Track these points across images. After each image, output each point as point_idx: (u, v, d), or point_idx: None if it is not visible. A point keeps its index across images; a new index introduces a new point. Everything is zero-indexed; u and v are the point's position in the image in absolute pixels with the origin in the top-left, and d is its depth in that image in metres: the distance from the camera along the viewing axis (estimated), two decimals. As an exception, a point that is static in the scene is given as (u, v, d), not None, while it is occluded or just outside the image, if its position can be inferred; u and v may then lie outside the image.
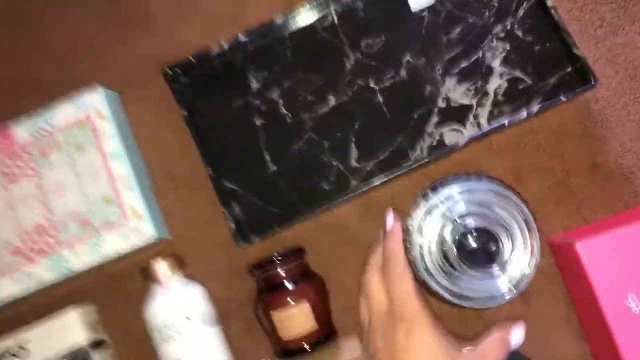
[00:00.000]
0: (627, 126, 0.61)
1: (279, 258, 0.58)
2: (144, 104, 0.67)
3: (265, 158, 0.64)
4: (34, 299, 0.64)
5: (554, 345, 0.59)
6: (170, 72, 0.64)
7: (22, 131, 0.63)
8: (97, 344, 0.62)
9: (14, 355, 0.61)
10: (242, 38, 0.64)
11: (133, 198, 0.61)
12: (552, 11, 0.60)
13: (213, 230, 0.64)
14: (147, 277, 0.60)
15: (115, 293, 0.65)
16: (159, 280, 0.59)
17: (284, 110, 0.64)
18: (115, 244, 0.61)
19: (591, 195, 0.60)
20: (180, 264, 0.61)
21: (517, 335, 0.50)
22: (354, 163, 0.62)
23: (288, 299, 0.56)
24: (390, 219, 0.54)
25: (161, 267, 0.60)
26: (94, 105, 0.63)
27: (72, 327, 0.61)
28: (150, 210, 0.62)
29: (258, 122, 0.64)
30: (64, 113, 0.63)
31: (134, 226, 0.61)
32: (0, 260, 0.62)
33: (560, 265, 0.58)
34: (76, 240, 0.61)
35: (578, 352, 0.58)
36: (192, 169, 0.65)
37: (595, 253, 0.50)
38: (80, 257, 0.61)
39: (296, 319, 0.56)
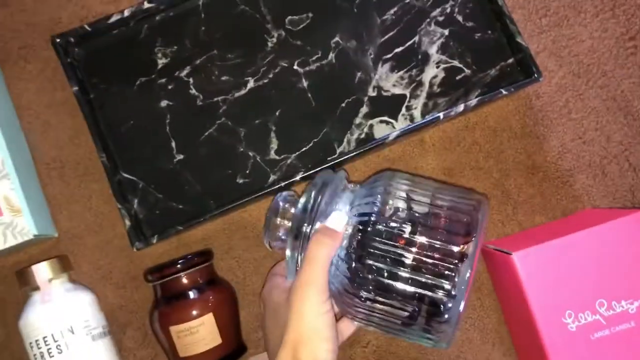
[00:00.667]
0: (569, 125, 0.56)
1: (180, 262, 0.50)
2: (30, 78, 0.57)
3: (171, 146, 0.56)
4: None
5: (482, 358, 0.54)
6: (61, 42, 0.55)
7: None
8: (-39, 359, 0.53)
9: None
10: (147, 4, 0.55)
11: (9, 188, 0.51)
12: (495, -4, 0.55)
13: (107, 228, 0.55)
14: (24, 282, 0.51)
15: (-11, 298, 0.55)
16: (37, 286, 0.50)
17: (194, 92, 0.56)
18: (-13, 243, 0.51)
19: (528, 198, 0.55)
20: (65, 266, 0.52)
21: (332, 219, 0.44)
22: (273, 155, 0.55)
23: (190, 311, 0.49)
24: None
25: (41, 270, 0.51)
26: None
27: None
28: (31, 203, 0.52)
29: (164, 103, 0.56)
30: None
31: (9, 221, 0.51)
32: None
33: (493, 274, 0.54)
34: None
35: (508, 367, 0.54)
36: (84, 156, 0.56)
37: (533, 265, 0.45)
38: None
39: (198, 334, 0.49)
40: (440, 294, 0.41)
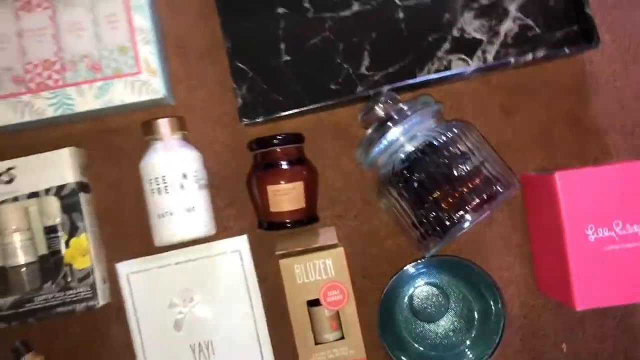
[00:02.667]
0: (611, 91, 0.67)
1: (280, 138, 0.61)
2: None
3: (280, 47, 0.66)
4: (29, 134, 0.65)
5: (504, 266, 0.66)
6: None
7: (46, -39, 0.62)
8: (83, 187, 0.63)
9: (-3, 180, 0.62)
10: None
11: (149, 52, 0.62)
12: (573, -30, 0.65)
13: (217, 104, 0.66)
14: (149, 132, 0.62)
15: (108, 145, 0.66)
16: (160, 136, 0.61)
17: (307, 5, 0.66)
18: (122, 93, 0.62)
19: (567, 144, 0.66)
20: (182, 126, 0.63)
21: None
22: (363, 70, 0.66)
23: (286, 176, 0.60)
24: None
25: (164, 124, 0.61)
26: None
27: (62, 164, 0.62)
28: (162, 69, 0.63)
29: (280, 10, 0.66)
30: (94, -47, 0.62)
31: (145, 79, 0.62)
32: (0, 86, 0.62)
33: (527, 198, 0.65)
34: (83, 82, 0.62)
35: (522, 274, 0.66)
36: (207, 40, 0.66)
37: (570, 184, 0.56)
38: (85, 99, 0.62)
39: (289, 195, 0.60)
40: (446, 221, 0.55)
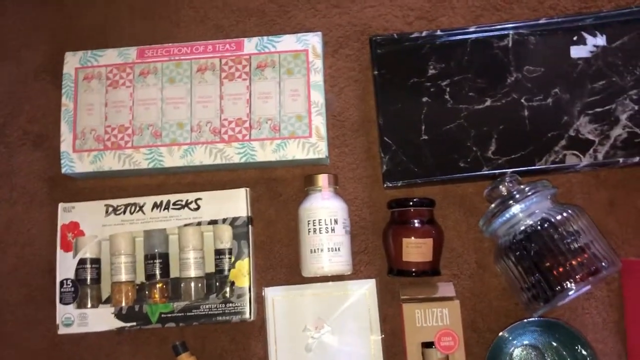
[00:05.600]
0: None
1: (416, 200, 0.74)
2: (343, 56, 0.84)
3: (421, 128, 0.80)
4: (211, 173, 0.81)
5: (599, 339, 0.74)
6: (375, 40, 0.82)
7: (251, 43, 0.81)
8: (251, 220, 0.79)
9: (186, 205, 0.78)
10: (439, 32, 0.81)
11: (320, 122, 0.78)
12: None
13: (363, 168, 0.81)
14: (310, 183, 0.77)
15: (269, 190, 0.81)
16: (320, 187, 0.76)
17: (447, 97, 0.81)
18: (295, 151, 0.78)
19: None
20: (335, 181, 0.77)
21: None
22: (490, 154, 0.79)
23: (417, 232, 0.73)
24: None
25: (324, 178, 0.76)
26: (313, 44, 0.80)
27: (239, 201, 0.78)
28: (326, 135, 0.78)
29: (424, 99, 0.81)
30: (288, 42, 0.81)
31: (314, 142, 0.77)
32: (201, 134, 0.79)
33: (626, 281, 0.74)
34: (265, 139, 0.78)
35: (616, 350, 0.74)
36: (361, 116, 0.82)
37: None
38: (265, 152, 0.78)
39: (420, 248, 0.72)
40: (554, 288, 0.66)
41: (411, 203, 0.74)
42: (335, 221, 0.74)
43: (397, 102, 0.81)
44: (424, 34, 0.81)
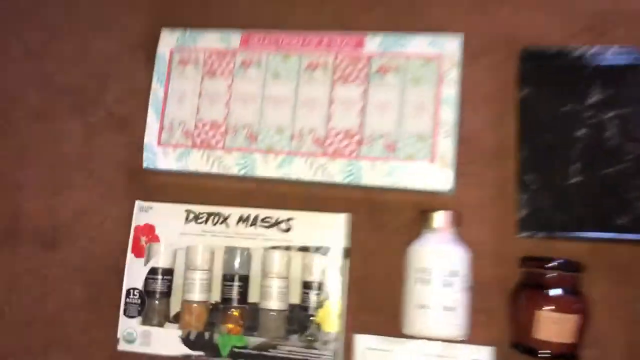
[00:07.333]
0: None
1: (561, 263, 0.59)
2: (481, 67, 0.69)
3: (572, 168, 0.64)
4: (306, 188, 0.69)
5: None
6: (528, 52, 0.66)
7: (374, 41, 0.67)
8: (347, 253, 0.66)
9: (276, 223, 0.66)
10: (611, 50, 0.64)
11: (447, 146, 0.64)
12: None
13: (493, 208, 0.66)
14: (425, 221, 0.63)
15: (374, 216, 0.68)
16: (437, 228, 0.62)
17: (611, 132, 0.64)
18: (411, 178, 0.64)
19: None
20: (458, 221, 0.63)
21: None
22: (658, 212, 0.62)
23: (558, 304, 0.57)
24: None
25: (444, 217, 0.62)
26: (449, 49, 0.66)
27: (337, 228, 0.65)
28: (453, 163, 0.64)
29: (581, 132, 0.65)
30: (418, 44, 0.66)
31: (436, 170, 0.63)
32: (302, 143, 0.67)
33: None
34: (377, 158, 0.65)
35: None
36: (498, 143, 0.67)
37: None
38: (374, 174, 0.65)
39: (558, 325, 0.57)
40: None
41: (553, 265, 0.59)
42: (454, 273, 0.60)
43: (545, 132, 0.65)
44: (591, 50, 0.65)
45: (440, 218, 0.62)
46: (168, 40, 0.73)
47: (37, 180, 0.77)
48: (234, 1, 0.76)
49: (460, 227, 0.64)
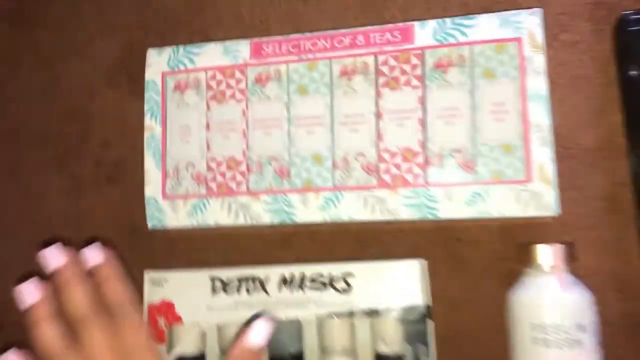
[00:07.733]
0: None
1: None
2: (566, 45, 0.53)
3: None
4: (371, 231, 0.54)
5: None
6: (628, 18, 0.50)
7: (425, 30, 0.52)
8: (430, 311, 0.51)
9: (330, 283, 0.51)
10: None
11: (546, 156, 0.48)
12: None
13: (605, 226, 0.50)
14: (527, 258, 0.48)
15: (450, 254, 0.53)
16: (548, 268, 0.47)
17: None
18: (503, 204, 0.49)
19: None
20: (573, 255, 0.48)
21: (254, 335, 0.42)
22: None
23: None
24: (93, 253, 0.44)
25: (556, 253, 0.47)
26: (529, 28, 0.50)
27: (411, 279, 0.50)
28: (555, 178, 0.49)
29: None
30: (486, 26, 0.51)
31: (536, 190, 0.48)
32: (349, 172, 0.51)
33: None
34: (452, 184, 0.49)
35: None
36: (602, 144, 0.51)
37: None
38: (452, 205, 0.49)
39: None
40: None
41: None
42: (581, 328, 0.45)
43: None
44: None
45: (550, 254, 0.47)
46: (157, 63, 0.57)
47: (14, 252, 0.61)
48: (234, 2, 0.60)
49: (577, 261, 0.49)
